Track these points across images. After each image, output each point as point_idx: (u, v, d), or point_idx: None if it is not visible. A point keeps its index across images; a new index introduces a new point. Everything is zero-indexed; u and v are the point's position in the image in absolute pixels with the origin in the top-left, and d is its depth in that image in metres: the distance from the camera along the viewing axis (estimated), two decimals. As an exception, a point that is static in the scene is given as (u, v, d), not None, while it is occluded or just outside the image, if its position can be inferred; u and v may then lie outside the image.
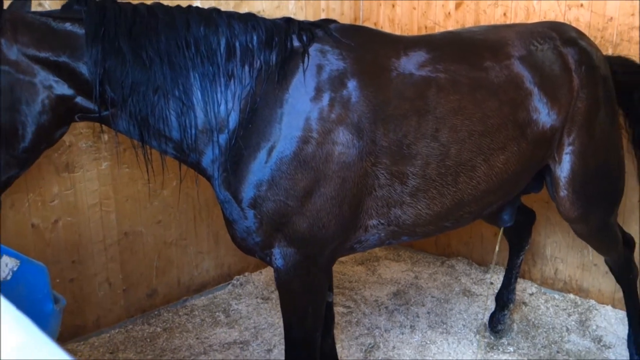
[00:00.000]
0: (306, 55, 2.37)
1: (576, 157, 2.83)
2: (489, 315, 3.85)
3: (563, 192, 2.90)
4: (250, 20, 2.39)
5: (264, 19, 2.43)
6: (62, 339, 3.54)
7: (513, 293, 3.76)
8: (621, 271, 3.33)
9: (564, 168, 2.86)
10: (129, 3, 2.29)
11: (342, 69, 2.38)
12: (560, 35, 2.88)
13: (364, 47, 2.49)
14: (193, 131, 2.28)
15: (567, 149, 2.82)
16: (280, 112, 2.30)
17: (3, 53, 2.03)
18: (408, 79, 2.46)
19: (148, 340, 3.72)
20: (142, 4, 2.30)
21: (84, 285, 3.65)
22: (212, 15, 2.34)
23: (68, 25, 2.15)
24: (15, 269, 2.28)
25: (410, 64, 2.50)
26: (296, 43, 2.40)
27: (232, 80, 2.29)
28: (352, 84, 2.36)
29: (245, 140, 2.30)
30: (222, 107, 2.28)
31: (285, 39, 2.38)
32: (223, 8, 2.45)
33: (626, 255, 3.31)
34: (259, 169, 2.28)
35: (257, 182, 2.29)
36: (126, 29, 2.19)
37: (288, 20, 2.49)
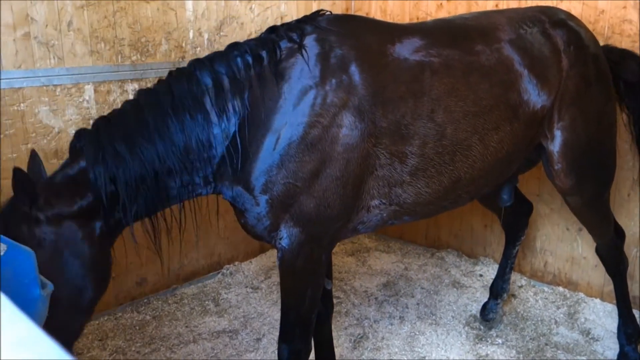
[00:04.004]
0: (303, 48, 2.45)
1: (567, 131, 2.91)
2: (478, 307, 3.86)
3: (557, 166, 2.98)
4: (234, 49, 2.48)
5: (247, 41, 2.53)
6: (50, 326, 3.53)
7: (507, 283, 3.79)
8: (612, 260, 3.35)
9: (556, 143, 2.93)
10: (117, 110, 2.39)
11: (340, 56, 2.47)
12: (549, 18, 2.96)
13: (360, 34, 2.59)
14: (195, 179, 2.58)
15: (558, 125, 2.90)
16: (284, 104, 2.39)
17: (45, 225, 2.20)
18: (403, 63, 2.55)
19: (137, 327, 3.71)
20: (128, 103, 2.41)
21: (73, 272, 3.63)
22: (191, 69, 2.42)
23: (83, 164, 2.28)
24: (2, 253, 2.26)
25: (405, 49, 2.59)
26: (288, 44, 2.48)
27: (223, 115, 2.38)
28: (352, 69, 2.46)
29: (250, 142, 2.39)
30: (217, 148, 2.40)
31: (274, 47, 2.46)
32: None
33: (617, 244, 3.34)
34: (268, 156, 2.38)
35: (267, 168, 2.39)
36: (120, 139, 2.28)
37: (272, 29, 2.58)
